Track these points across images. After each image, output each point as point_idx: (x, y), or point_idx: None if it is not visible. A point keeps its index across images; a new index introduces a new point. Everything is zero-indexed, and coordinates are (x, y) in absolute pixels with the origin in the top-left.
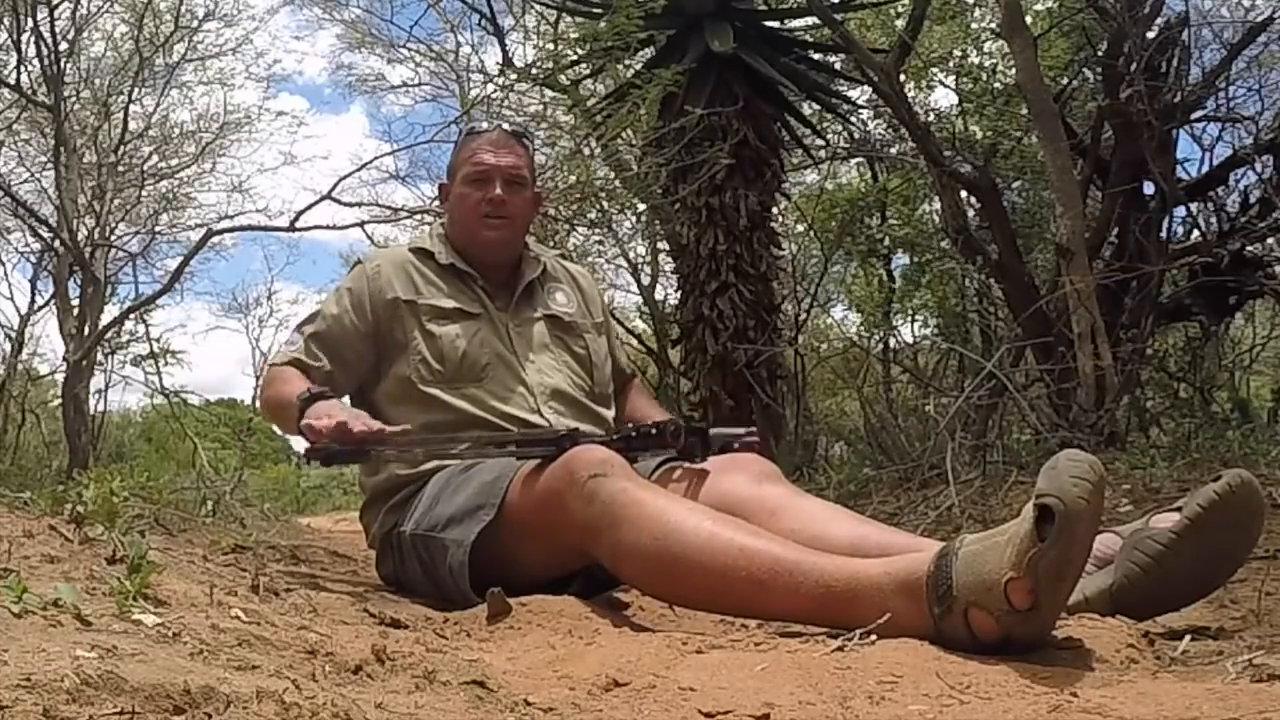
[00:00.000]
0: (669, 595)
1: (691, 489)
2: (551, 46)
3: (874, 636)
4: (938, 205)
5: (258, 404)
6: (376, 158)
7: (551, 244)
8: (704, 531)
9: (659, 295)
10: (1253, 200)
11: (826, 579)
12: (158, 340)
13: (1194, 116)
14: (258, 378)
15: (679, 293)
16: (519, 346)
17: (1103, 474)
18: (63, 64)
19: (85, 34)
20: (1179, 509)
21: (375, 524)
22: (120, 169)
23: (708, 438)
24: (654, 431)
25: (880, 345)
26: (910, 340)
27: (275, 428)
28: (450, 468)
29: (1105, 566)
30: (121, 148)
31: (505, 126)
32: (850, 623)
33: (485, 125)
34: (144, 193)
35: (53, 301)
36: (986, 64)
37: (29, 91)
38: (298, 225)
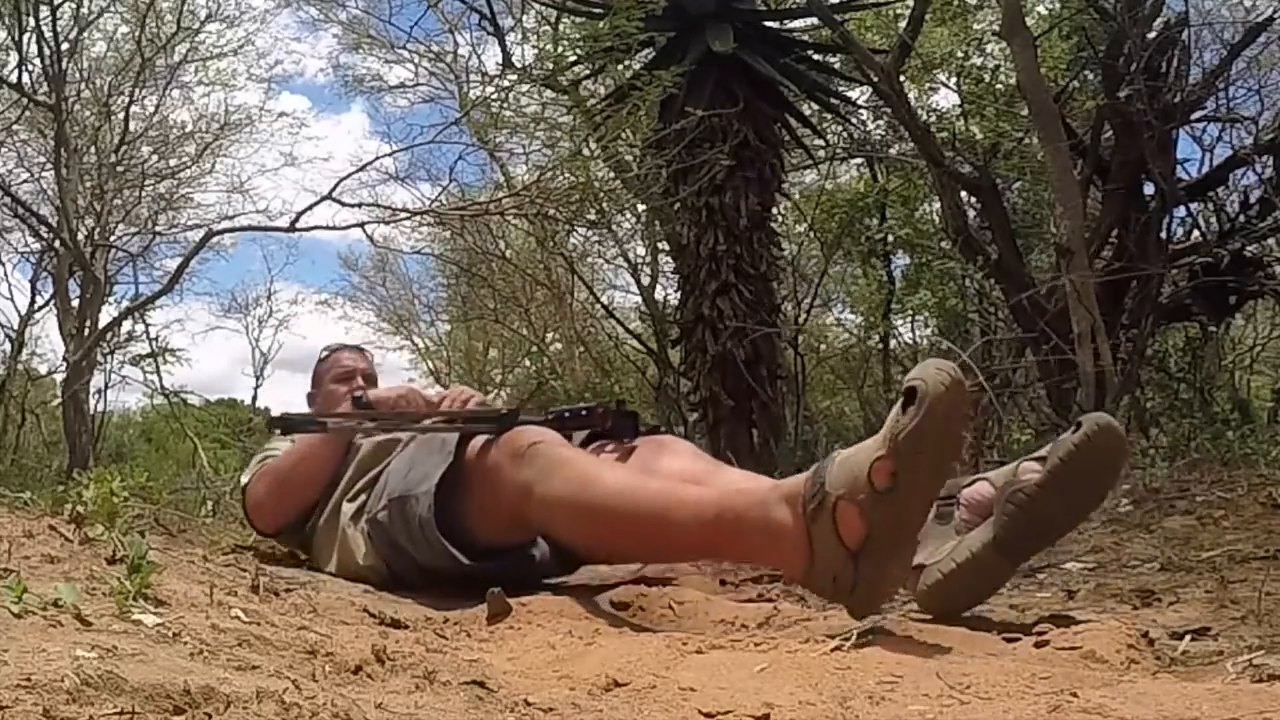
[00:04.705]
0: (594, 543)
1: (618, 459)
2: (551, 47)
3: (872, 636)
4: (938, 205)
5: (261, 494)
6: (376, 158)
7: (551, 244)
8: (615, 480)
9: (659, 295)
10: (1253, 200)
11: (723, 502)
12: (157, 340)
13: (1194, 116)
14: (257, 380)
15: (679, 293)
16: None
17: (963, 379)
18: (64, 64)
19: (87, 34)
20: (1043, 458)
21: (344, 520)
22: (120, 169)
23: (637, 421)
24: (583, 413)
25: (880, 345)
26: (910, 340)
27: (303, 479)
28: (401, 455)
29: (988, 518)
30: (122, 148)
31: (352, 344)
32: (742, 542)
33: (337, 345)
34: (144, 193)
35: (53, 301)
36: (989, 65)
37: (30, 91)
38: (298, 225)
